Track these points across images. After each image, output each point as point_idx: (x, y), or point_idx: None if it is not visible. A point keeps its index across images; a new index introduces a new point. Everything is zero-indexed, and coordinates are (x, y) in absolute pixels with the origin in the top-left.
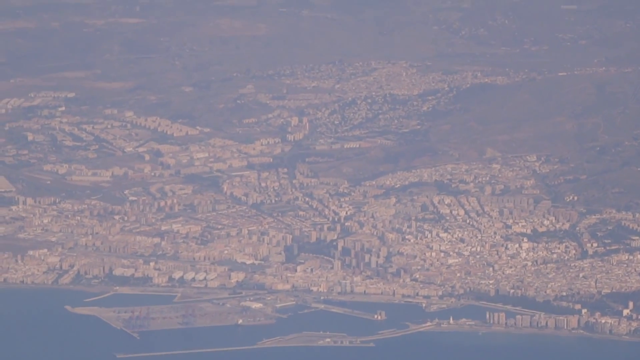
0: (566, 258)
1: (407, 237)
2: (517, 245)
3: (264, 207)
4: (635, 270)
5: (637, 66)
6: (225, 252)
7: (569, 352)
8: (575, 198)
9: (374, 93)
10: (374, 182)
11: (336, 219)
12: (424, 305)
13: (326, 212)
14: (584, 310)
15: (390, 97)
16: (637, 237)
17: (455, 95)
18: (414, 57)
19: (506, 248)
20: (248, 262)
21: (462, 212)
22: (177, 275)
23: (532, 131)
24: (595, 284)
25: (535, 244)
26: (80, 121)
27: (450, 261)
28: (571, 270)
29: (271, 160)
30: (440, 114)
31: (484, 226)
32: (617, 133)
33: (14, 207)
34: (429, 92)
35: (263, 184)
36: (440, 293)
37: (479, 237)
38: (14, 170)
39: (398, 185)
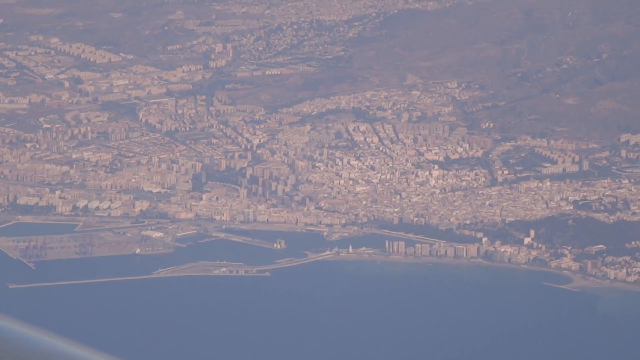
0: (475, 186)
1: (317, 164)
2: (427, 173)
3: (178, 134)
4: (542, 198)
5: None
6: (133, 180)
7: (464, 281)
8: (491, 125)
9: (302, 19)
10: (290, 109)
11: (249, 147)
12: (325, 234)
13: (239, 140)
14: (484, 239)
15: (317, 23)
16: (548, 164)
17: (382, 20)
18: None
19: (416, 176)
20: (155, 190)
21: (376, 139)
22: (81, 204)
23: (455, 57)
24: (501, 212)
25: (446, 172)
26: (4, 48)
27: (358, 189)
28: (478, 198)
29: (191, 87)
30: (366, 40)
31: (397, 153)
32: (540, 59)
33: None
34: (357, 17)
35: (180, 112)
36: (343, 221)
37: (390, 165)
38: None
39: (315, 112)
